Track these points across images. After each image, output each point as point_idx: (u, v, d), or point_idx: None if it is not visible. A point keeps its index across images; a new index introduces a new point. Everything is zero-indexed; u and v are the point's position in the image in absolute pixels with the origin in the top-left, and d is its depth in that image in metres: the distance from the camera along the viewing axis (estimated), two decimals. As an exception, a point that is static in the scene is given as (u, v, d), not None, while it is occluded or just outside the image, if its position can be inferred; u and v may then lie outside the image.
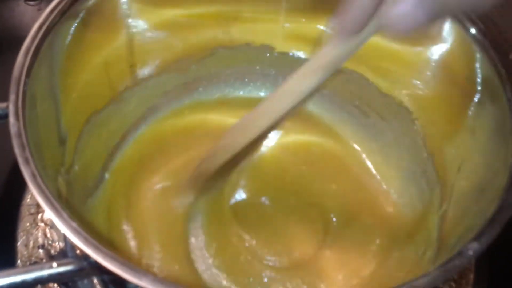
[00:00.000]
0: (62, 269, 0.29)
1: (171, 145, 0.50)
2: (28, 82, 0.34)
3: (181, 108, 0.52)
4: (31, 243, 0.43)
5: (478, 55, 0.39)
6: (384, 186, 0.48)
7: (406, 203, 0.47)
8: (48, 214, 0.28)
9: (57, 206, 0.29)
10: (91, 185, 0.45)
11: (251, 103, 0.40)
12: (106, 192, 0.46)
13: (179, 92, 0.52)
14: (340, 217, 0.45)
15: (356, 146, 0.50)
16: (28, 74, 0.34)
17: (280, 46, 0.51)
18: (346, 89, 0.50)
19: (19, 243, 0.43)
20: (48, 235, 0.44)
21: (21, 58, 0.34)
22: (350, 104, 0.51)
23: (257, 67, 0.52)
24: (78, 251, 0.37)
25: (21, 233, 0.44)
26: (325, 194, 0.47)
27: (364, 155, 0.50)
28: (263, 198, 0.47)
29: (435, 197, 0.43)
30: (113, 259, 0.27)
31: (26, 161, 0.30)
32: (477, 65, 0.39)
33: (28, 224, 0.44)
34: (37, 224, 0.44)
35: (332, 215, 0.46)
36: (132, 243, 0.44)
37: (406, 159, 0.47)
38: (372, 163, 0.49)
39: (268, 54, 0.51)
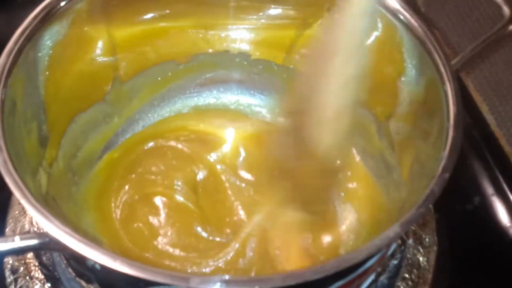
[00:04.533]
0: (24, 243, 0.32)
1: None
2: (8, 82, 0.38)
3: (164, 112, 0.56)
4: (18, 230, 0.47)
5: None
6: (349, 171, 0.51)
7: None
8: (12, 190, 0.32)
9: (23, 188, 0.33)
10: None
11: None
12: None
13: (162, 97, 0.56)
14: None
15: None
16: (8, 74, 0.38)
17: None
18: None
19: (7, 229, 0.48)
20: (34, 222, 0.48)
21: (3, 59, 0.38)
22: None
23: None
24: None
25: (10, 220, 0.48)
26: None
27: None
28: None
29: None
30: (66, 233, 0.31)
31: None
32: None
33: (17, 212, 0.49)
34: (25, 213, 0.48)
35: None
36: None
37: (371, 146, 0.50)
38: None
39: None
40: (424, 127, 0.42)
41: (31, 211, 0.32)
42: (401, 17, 0.43)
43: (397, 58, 0.44)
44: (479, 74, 0.62)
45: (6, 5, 0.68)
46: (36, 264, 0.45)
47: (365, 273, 0.37)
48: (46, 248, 0.33)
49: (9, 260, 0.46)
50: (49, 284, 0.45)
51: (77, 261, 0.36)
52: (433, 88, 0.40)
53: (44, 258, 0.46)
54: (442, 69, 0.39)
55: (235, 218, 0.48)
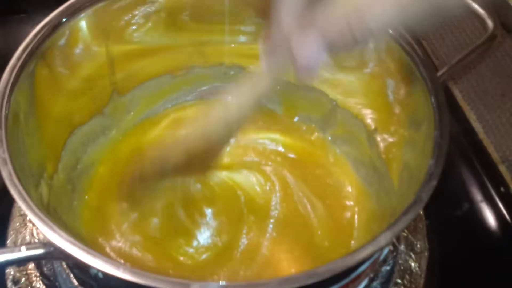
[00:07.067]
0: (30, 252, 0.33)
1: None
2: (11, 97, 0.39)
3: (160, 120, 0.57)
4: (19, 241, 0.49)
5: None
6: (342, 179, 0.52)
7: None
8: (18, 202, 0.33)
9: (28, 200, 0.34)
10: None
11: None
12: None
13: (158, 106, 0.57)
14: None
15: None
16: (12, 90, 0.40)
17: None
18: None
19: (8, 241, 0.49)
20: (35, 234, 0.49)
21: (7, 75, 0.40)
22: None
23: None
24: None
25: (11, 232, 0.49)
26: None
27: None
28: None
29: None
30: (71, 243, 0.32)
31: (4, 162, 0.35)
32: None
33: (18, 224, 0.50)
34: (25, 224, 0.49)
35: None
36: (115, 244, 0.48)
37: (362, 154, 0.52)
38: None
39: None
40: (412, 136, 0.43)
41: (37, 222, 0.33)
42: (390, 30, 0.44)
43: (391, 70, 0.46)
44: (467, 84, 0.64)
45: (4, 21, 0.69)
46: (37, 274, 0.46)
47: (358, 278, 0.38)
48: (50, 257, 0.34)
49: (10, 271, 0.47)
50: (50, 294, 0.46)
51: (80, 269, 0.37)
52: (421, 98, 0.41)
53: (45, 269, 0.47)
54: (429, 81, 0.41)
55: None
